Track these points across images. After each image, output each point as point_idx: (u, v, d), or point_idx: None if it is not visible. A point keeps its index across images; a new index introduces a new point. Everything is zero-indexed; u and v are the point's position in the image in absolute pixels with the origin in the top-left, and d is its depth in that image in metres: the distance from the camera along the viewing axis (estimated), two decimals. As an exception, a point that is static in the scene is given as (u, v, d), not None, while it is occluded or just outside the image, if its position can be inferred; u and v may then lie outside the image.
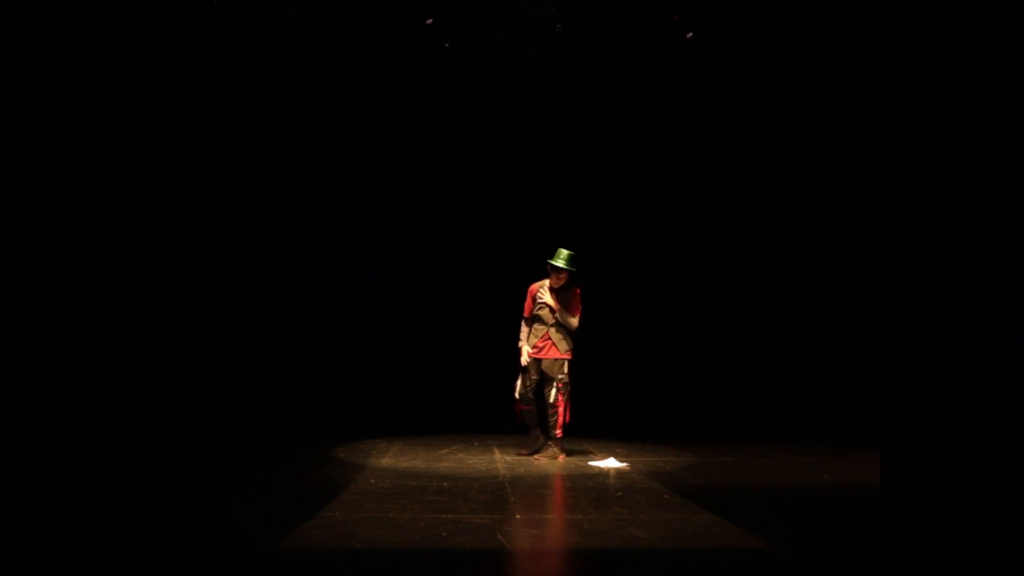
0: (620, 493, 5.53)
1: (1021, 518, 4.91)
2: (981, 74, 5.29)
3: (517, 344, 7.05)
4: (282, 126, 10.63)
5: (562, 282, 6.85)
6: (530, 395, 6.90)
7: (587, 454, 7.28)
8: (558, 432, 6.93)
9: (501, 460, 6.86)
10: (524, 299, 7.07)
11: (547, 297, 6.83)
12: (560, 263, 6.77)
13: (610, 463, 6.75)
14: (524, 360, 6.93)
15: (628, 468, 6.59)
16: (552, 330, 6.86)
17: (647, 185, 12.00)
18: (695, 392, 11.64)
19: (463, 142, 11.81)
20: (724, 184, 11.77)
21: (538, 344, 6.88)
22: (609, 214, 12.05)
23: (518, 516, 4.79)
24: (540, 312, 6.89)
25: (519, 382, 6.93)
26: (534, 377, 6.90)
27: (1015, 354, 5.34)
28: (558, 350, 6.86)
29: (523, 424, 7.04)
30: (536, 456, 6.94)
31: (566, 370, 6.90)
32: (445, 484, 5.67)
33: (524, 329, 7.02)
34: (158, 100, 6.77)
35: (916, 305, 5.46)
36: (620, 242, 11.96)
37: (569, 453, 7.32)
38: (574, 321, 6.88)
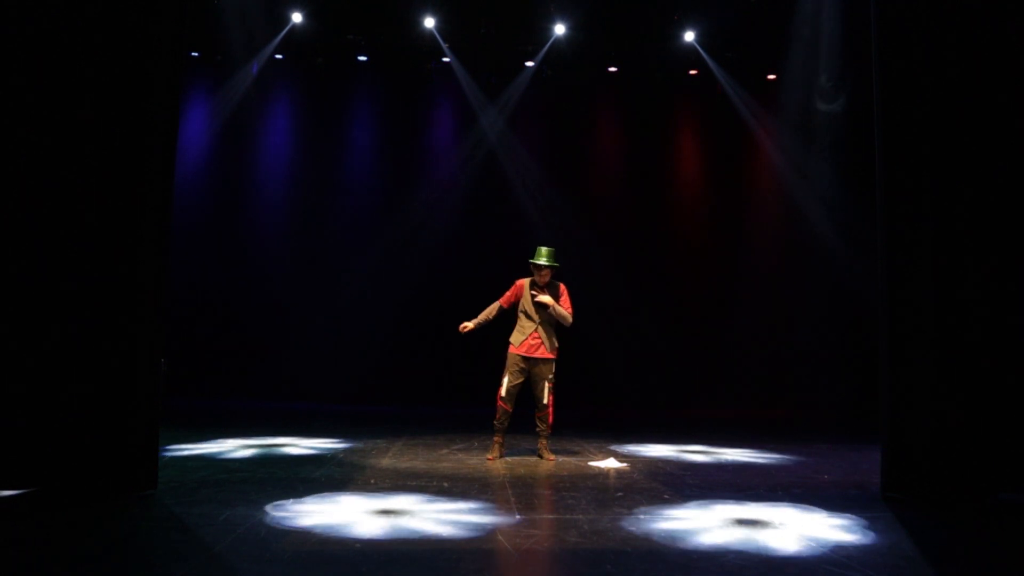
0: (620, 493, 5.53)
1: (1021, 517, 4.91)
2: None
3: (475, 318, 6.87)
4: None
5: (546, 279, 6.84)
6: (515, 392, 6.88)
7: (587, 454, 7.28)
8: (549, 430, 6.97)
9: (501, 460, 6.85)
10: (507, 288, 6.99)
11: (544, 297, 6.78)
12: (543, 261, 6.77)
13: (610, 463, 6.75)
14: (462, 328, 6.81)
15: (628, 468, 6.59)
16: (540, 328, 6.84)
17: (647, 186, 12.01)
18: (695, 392, 11.65)
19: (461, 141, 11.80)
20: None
21: (528, 342, 6.83)
22: (610, 218, 12.06)
23: (518, 516, 4.79)
24: (527, 308, 6.87)
25: (505, 379, 6.88)
26: (522, 376, 6.88)
27: (1013, 352, 5.35)
28: (547, 349, 6.84)
29: (497, 426, 6.88)
30: (550, 457, 6.91)
31: (554, 370, 6.90)
32: (445, 484, 5.67)
33: (489, 311, 6.90)
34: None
35: (916, 304, 5.45)
36: (624, 246, 11.97)
37: (569, 453, 7.32)
38: (570, 317, 6.88)
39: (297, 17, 10.96)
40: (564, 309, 6.86)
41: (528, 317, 6.87)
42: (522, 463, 6.78)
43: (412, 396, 11.35)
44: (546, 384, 6.84)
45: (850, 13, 10.15)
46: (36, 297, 4.97)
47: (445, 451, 7.29)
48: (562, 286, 6.98)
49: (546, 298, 6.79)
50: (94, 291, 5.05)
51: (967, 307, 5.37)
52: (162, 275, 5.25)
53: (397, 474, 6.06)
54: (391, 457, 6.87)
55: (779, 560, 3.94)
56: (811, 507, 5.12)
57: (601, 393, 11.61)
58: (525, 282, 6.94)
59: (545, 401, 6.85)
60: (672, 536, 4.36)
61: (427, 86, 11.95)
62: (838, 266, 11.16)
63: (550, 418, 6.94)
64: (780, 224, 11.94)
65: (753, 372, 11.73)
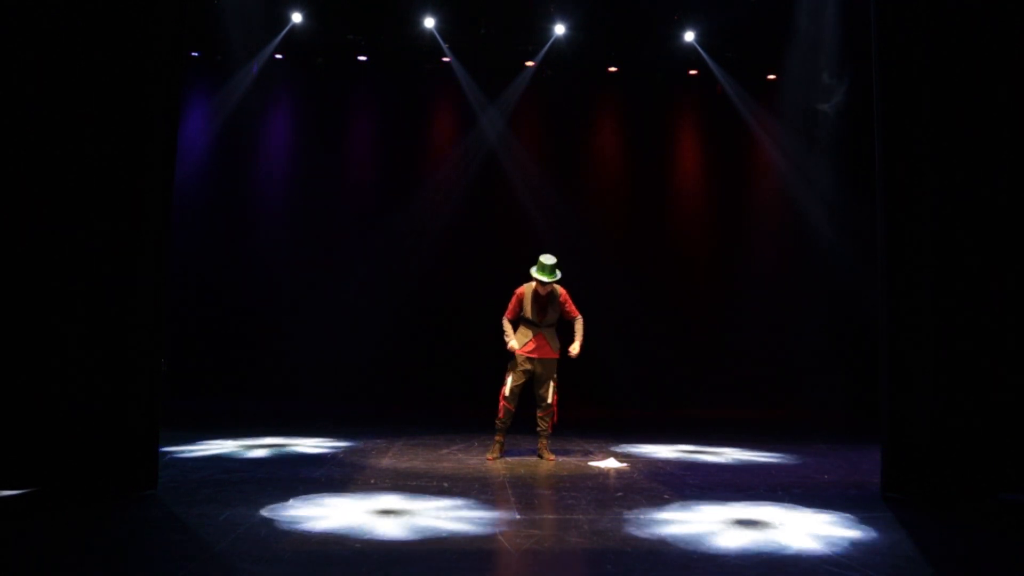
0: (620, 493, 5.53)
1: (1021, 517, 4.91)
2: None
3: (504, 339, 6.84)
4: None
5: (548, 288, 6.83)
6: (518, 392, 6.88)
7: (587, 454, 7.28)
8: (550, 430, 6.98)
9: (501, 460, 6.86)
10: (506, 289, 6.96)
11: (575, 350, 6.80)
12: (545, 279, 6.72)
13: (610, 463, 6.75)
14: (512, 346, 6.79)
15: (628, 468, 6.60)
16: (543, 331, 6.85)
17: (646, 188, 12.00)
18: (695, 392, 11.65)
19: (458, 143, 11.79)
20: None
21: (532, 343, 6.84)
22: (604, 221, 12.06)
23: (518, 516, 4.79)
24: (530, 314, 6.84)
25: (508, 379, 6.88)
26: (525, 376, 6.88)
27: (1013, 352, 5.35)
28: (551, 349, 6.86)
29: (499, 425, 6.88)
30: (550, 457, 6.92)
31: (557, 369, 6.90)
32: (445, 484, 5.68)
33: (508, 328, 6.88)
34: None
35: (916, 304, 5.45)
36: (624, 245, 11.97)
37: (569, 453, 7.33)
38: (581, 321, 6.91)
39: (297, 17, 10.95)
40: (578, 325, 6.90)
41: (531, 323, 6.85)
42: (522, 463, 6.78)
43: (412, 396, 11.35)
44: (551, 384, 6.85)
45: (850, 13, 10.14)
46: (36, 297, 4.97)
47: (445, 451, 7.29)
48: (563, 291, 6.96)
49: (575, 349, 6.81)
50: (94, 291, 5.05)
51: (967, 307, 5.37)
52: (162, 275, 5.25)
53: (397, 474, 6.06)
54: (391, 457, 6.87)
55: (779, 560, 3.95)
56: (811, 507, 5.12)
57: (601, 393, 11.60)
58: (525, 290, 6.91)
59: (549, 400, 6.86)
60: (672, 536, 4.36)
61: (427, 86, 11.95)
62: (838, 266, 11.15)
63: (554, 417, 6.94)
64: (780, 224, 11.94)
65: (753, 372, 11.73)
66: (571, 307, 6.95)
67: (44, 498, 4.91)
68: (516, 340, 6.86)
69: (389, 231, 11.64)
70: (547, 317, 6.85)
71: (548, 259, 6.76)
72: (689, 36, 11.34)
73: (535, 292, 6.85)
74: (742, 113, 11.82)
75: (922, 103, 5.48)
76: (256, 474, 5.94)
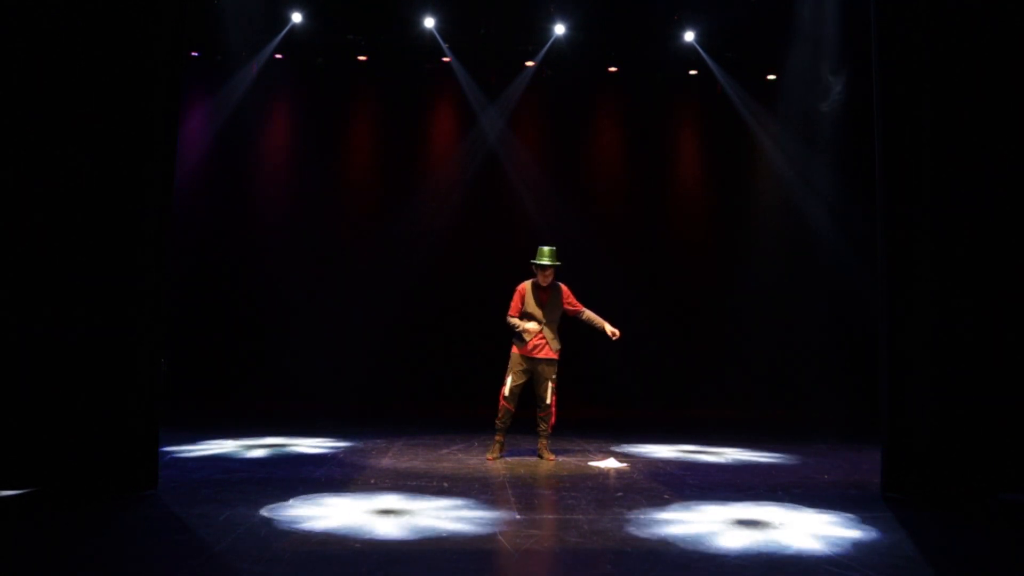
0: (620, 493, 5.53)
1: (1021, 517, 4.91)
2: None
3: (518, 331, 6.75)
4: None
5: (549, 279, 6.84)
6: (518, 392, 6.88)
7: (587, 454, 7.28)
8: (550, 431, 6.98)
9: (501, 460, 6.86)
10: (511, 297, 6.91)
11: (612, 330, 6.82)
12: (546, 261, 6.77)
13: (610, 463, 6.75)
14: (532, 327, 6.73)
15: (628, 468, 6.59)
16: (545, 329, 6.85)
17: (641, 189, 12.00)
18: (695, 392, 11.65)
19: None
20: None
21: (532, 343, 6.83)
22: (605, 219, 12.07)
23: (518, 516, 4.79)
24: (532, 310, 6.85)
25: (508, 379, 6.88)
26: (524, 376, 6.88)
27: (1013, 352, 5.35)
28: (551, 349, 6.86)
29: (499, 425, 6.87)
30: (550, 457, 6.92)
31: (556, 370, 6.89)
32: (445, 484, 5.67)
33: (517, 320, 6.82)
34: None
35: (916, 304, 5.45)
36: (624, 246, 11.97)
37: (569, 453, 7.33)
38: (589, 311, 6.93)
39: (297, 17, 10.95)
40: (590, 315, 6.93)
41: (532, 319, 6.85)
42: (522, 463, 6.78)
43: (412, 396, 11.35)
44: (549, 384, 6.85)
45: (850, 12, 10.14)
46: (36, 297, 4.97)
47: (445, 451, 7.29)
48: (564, 287, 6.98)
49: (615, 331, 6.83)
50: (94, 291, 5.05)
51: (967, 307, 5.37)
52: (162, 275, 5.25)
53: (397, 474, 6.06)
54: (391, 457, 6.87)
55: (779, 560, 3.94)
56: (811, 507, 5.11)
57: (601, 393, 11.60)
58: (526, 286, 6.92)
59: (548, 401, 6.86)
60: (672, 536, 4.36)
61: (427, 86, 11.95)
62: (839, 266, 11.15)
63: (552, 418, 6.95)
64: (780, 224, 11.93)
65: (753, 372, 11.73)
66: (574, 300, 6.98)
67: (44, 498, 4.91)
68: (517, 338, 6.86)
69: (389, 230, 11.64)
70: (549, 313, 6.84)
71: (547, 247, 6.84)
72: (689, 36, 11.34)
73: (536, 285, 6.86)
74: (742, 113, 11.82)
75: (922, 103, 5.48)
76: (256, 474, 5.94)
